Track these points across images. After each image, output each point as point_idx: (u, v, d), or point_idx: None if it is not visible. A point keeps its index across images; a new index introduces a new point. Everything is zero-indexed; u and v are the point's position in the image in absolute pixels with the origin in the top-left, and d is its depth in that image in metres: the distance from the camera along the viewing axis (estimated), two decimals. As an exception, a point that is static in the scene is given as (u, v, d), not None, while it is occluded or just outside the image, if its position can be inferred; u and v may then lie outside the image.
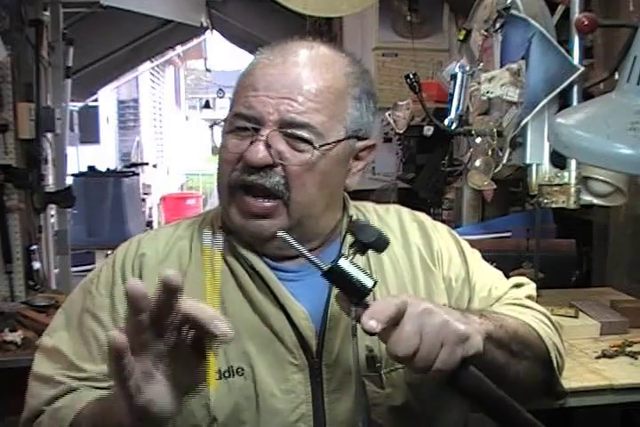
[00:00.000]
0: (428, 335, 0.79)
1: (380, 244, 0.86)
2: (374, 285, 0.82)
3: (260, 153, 0.93)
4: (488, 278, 1.12)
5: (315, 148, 0.95)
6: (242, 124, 0.96)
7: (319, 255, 1.02)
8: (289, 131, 0.94)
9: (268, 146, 0.94)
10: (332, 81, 0.97)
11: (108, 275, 1.03)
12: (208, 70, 13.86)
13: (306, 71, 0.95)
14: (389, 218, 1.12)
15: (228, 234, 1.01)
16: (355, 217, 1.07)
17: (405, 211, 1.15)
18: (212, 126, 1.06)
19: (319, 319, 0.97)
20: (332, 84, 0.97)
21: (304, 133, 0.94)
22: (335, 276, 0.82)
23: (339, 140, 0.97)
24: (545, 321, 1.08)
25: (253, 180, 0.94)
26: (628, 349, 1.78)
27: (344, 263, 0.82)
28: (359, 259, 1.03)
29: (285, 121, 0.94)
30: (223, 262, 1.00)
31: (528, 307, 1.10)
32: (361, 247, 0.86)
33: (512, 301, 1.10)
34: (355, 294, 0.82)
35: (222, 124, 0.99)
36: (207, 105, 12.73)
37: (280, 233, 0.86)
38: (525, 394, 0.97)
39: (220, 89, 12.55)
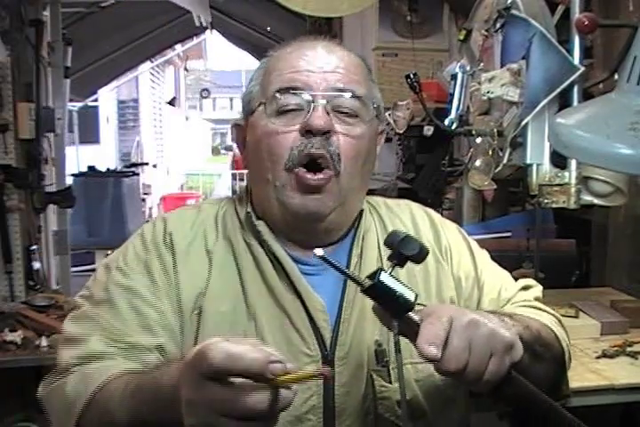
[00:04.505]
0: (477, 348, 0.77)
1: (422, 256, 0.82)
2: (416, 298, 0.79)
3: (323, 118, 0.95)
4: (497, 279, 1.12)
5: (362, 120, 0.99)
6: (286, 100, 0.97)
7: (337, 249, 1.03)
8: (340, 100, 0.97)
9: (326, 113, 0.96)
10: (358, 61, 1.03)
11: (138, 251, 1.01)
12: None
13: (338, 52, 1.01)
14: (400, 211, 1.13)
15: (258, 219, 1.02)
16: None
17: (415, 205, 1.16)
18: (234, 127, 1.08)
19: (335, 312, 0.98)
20: (360, 63, 1.03)
21: (353, 103, 0.98)
22: (377, 292, 0.77)
23: (375, 115, 1.02)
24: (558, 323, 1.09)
25: (317, 149, 0.95)
26: (629, 349, 1.78)
27: (385, 278, 0.77)
28: (373, 252, 1.03)
29: (335, 89, 0.97)
30: (246, 247, 1.01)
31: (540, 309, 1.10)
32: (401, 260, 0.81)
33: (525, 303, 1.11)
34: (397, 309, 0.78)
35: (261, 107, 0.99)
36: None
37: (318, 251, 0.80)
38: None
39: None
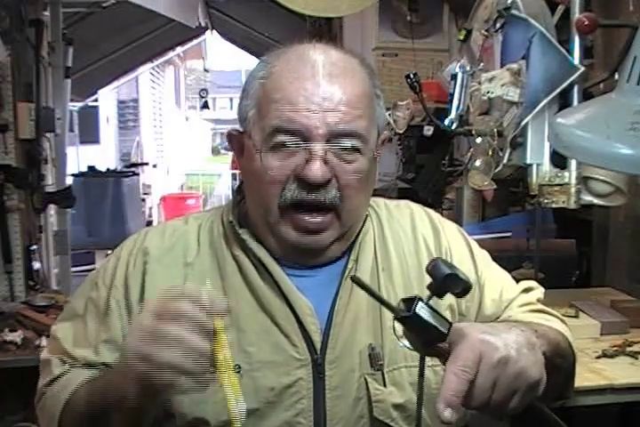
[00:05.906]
0: (501, 386, 0.76)
1: (465, 293, 0.81)
2: (449, 329, 0.78)
3: (320, 171, 0.92)
4: (498, 280, 1.12)
5: (362, 154, 0.95)
6: (282, 139, 0.93)
7: (336, 264, 1.02)
8: (339, 143, 0.93)
9: (324, 162, 0.93)
10: (362, 86, 0.98)
11: (112, 266, 1.05)
12: (206, 70, 13.85)
13: (340, 81, 0.94)
14: (400, 214, 1.12)
15: (241, 228, 1.02)
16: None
17: (416, 207, 1.15)
18: (229, 136, 1.04)
19: (325, 315, 0.98)
20: (364, 89, 0.98)
21: (354, 143, 0.94)
22: (411, 322, 0.77)
23: (375, 141, 0.99)
24: (566, 326, 1.09)
25: (313, 197, 0.94)
26: (629, 348, 1.78)
27: (421, 311, 0.76)
28: (368, 256, 1.03)
29: (335, 133, 0.93)
30: (230, 256, 1.01)
31: (548, 313, 1.10)
32: (441, 294, 0.80)
33: (532, 307, 1.10)
34: (428, 340, 0.78)
35: (255, 142, 0.96)
36: (206, 105, 12.72)
37: (356, 276, 0.82)
38: (542, 400, 0.98)
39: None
